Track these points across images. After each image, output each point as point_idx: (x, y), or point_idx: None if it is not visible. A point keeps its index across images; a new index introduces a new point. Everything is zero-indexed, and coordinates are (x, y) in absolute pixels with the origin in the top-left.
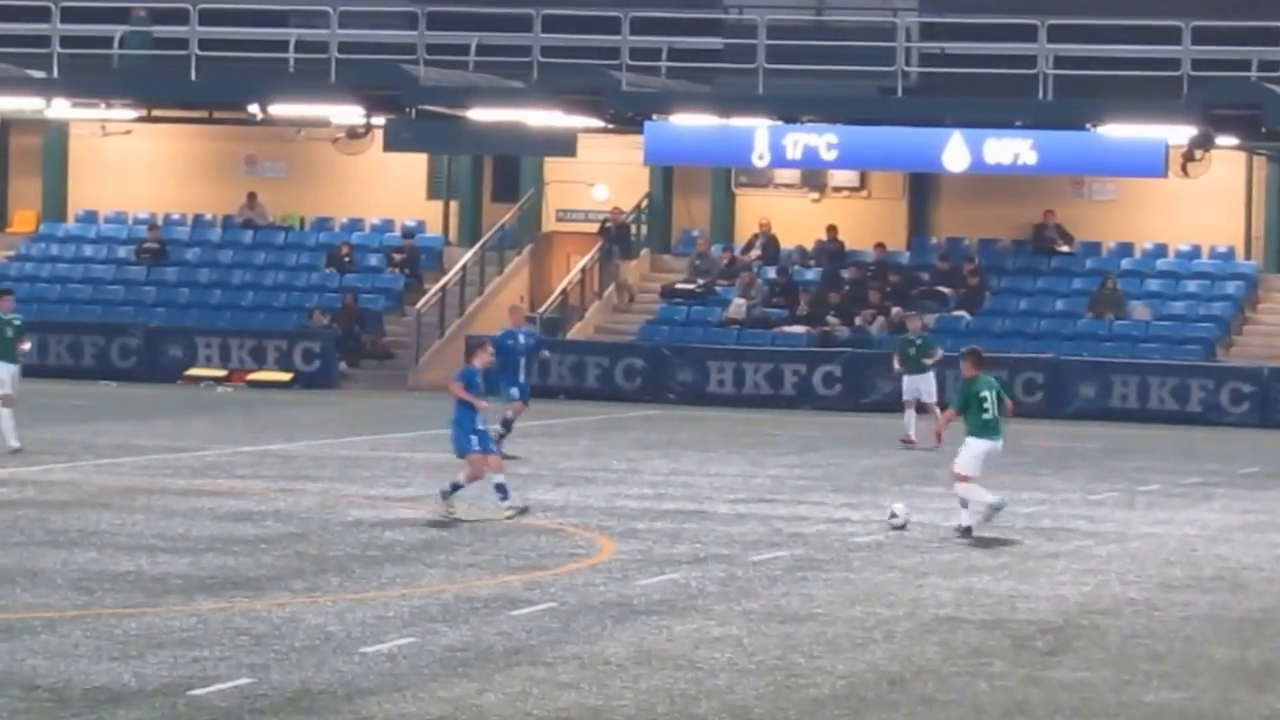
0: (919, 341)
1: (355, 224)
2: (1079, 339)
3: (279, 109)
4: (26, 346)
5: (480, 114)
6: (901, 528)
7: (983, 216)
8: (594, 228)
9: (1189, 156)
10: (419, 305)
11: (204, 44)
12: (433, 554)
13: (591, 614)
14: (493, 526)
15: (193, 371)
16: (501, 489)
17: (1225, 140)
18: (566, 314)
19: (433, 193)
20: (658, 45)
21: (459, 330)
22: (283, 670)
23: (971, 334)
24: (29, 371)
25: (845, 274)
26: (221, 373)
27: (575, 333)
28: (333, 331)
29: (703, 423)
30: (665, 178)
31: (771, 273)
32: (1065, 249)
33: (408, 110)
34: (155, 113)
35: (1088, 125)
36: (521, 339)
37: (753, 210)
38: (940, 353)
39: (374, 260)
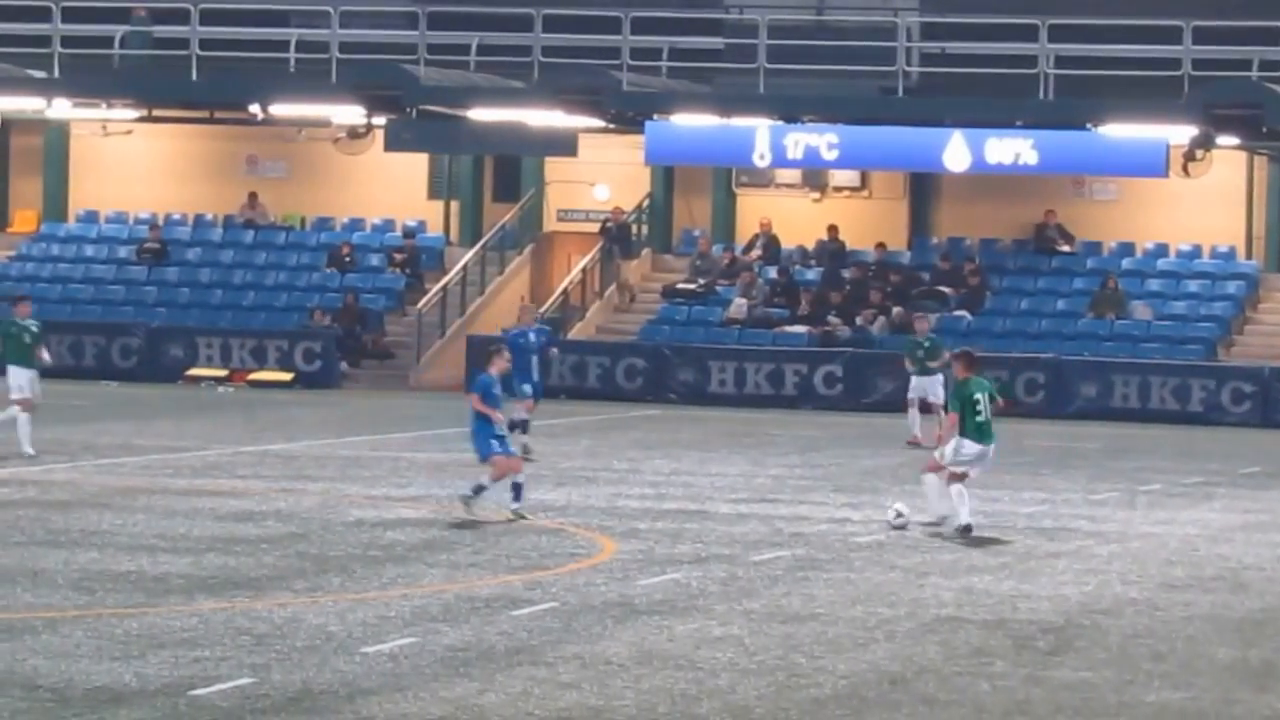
0: (927, 344)
1: (356, 224)
2: (1080, 339)
3: (280, 109)
4: (47, 356)
5: (481, 114)
6: (902, 528)
7: (983, 216)
8: (595, 228)
9: (1190, 156)
10: (420, 305)
11: (205, 44)
12: (434, 554)
13: (593, 614)
14: (494, 527)
15: (194, 371)
16: (517, 489)
17: (1226, 140)
18: (567, 314)
19: (434, 193)
20: (658, 45)
21: (460, 330)
22: (284, 670)
23: (972, 334)
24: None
25: (846, 274)
26: (222, 373)
27: (576, 333)
28: (334, 331)
29: (704, 422)
30: (666, 178)
31: (772, 272)
32: (1066, 249)
33: (409, 110)
34: (156, 113)
35: (1088, 125)
36: (533, 337)
37: (754, 210)
38: (948, 355)
39: (375, 260)
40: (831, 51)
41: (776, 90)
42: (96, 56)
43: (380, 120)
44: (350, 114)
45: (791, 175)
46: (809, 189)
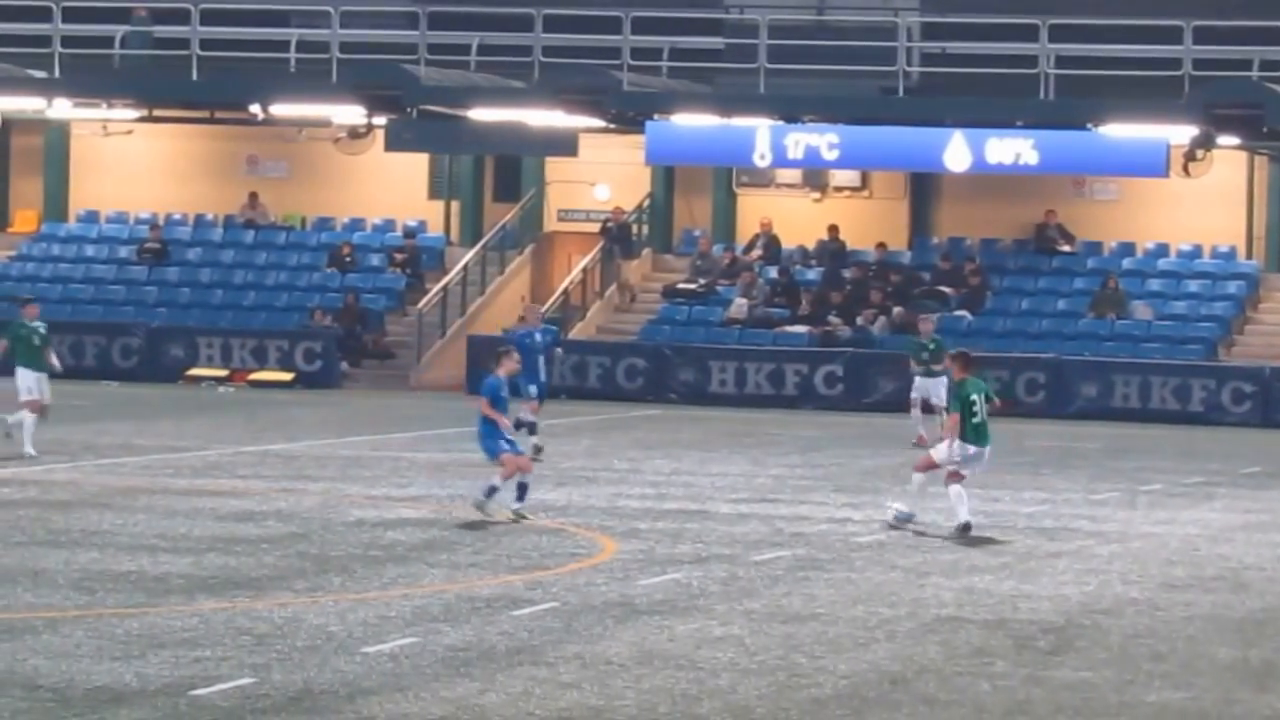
0: (931, 345)
1: (357, 224)
2: (1080, 339)
3: (280, 109)
4: (57, 363)
5: (481, 114)
6: (898, 528)
7: (984, 216)
8: (595, 228)
9: (1190, 156)
10: (420, 305)
11: (205, 44)
12: (434, 554)
13: (593, 614)
14: (495, 527)
15: (194, 371)
16: (522, 489)
17: (1226, 140)
18: (568, 314)
19: (434, 193)
20: (659, 45)
21: (460, 330)
22: (285, 670)
23: (973, 334)
24: (12, 371)
25: (847, 274)
26: (223, 373)
27: (577, 333)
28: (334, 331)
29: (704, 422)
30: (667, 177)
31: (773, 272)
32: (1067, 249)
33: (409, 110)
34: (156, 113)
35: (1089, 125)
36: (539, 337)
37: (754, 210)
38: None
39: (375, 260)
40: (832, 51)
41: (777, 90)
42: (97, 56)
43: (381, 120)
44: (351, 114)
45: (792, 175)
46: (809, 189)
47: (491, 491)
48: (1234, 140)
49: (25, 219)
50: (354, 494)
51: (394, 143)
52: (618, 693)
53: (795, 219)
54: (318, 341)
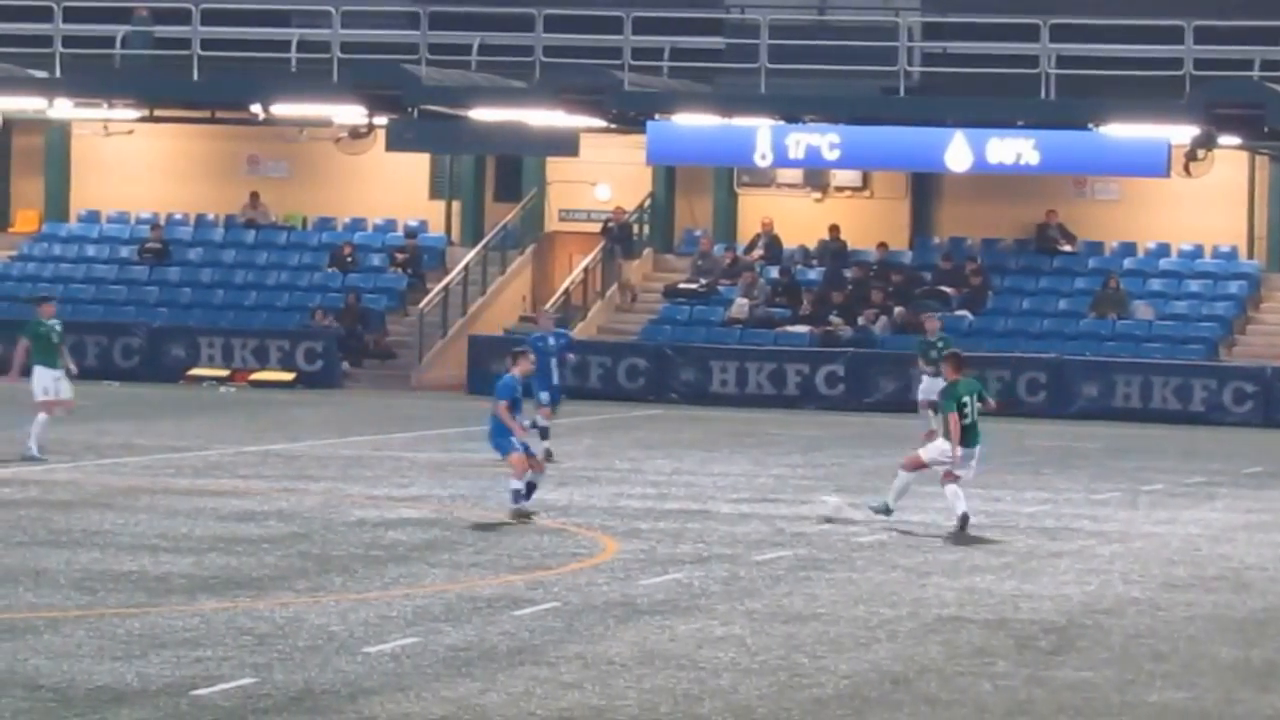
0: (940, 344)
1: (358, 224)
2: (1081, 339)
3: (281, 109)
4: (73, 367)
5: (482, 114)
6: (833, 521)
7: (985, 216)
8: (596, 227)
9: (1191, 156)
10: (421, 305)
11: (206, 44)
12: (436, 554)
13: (594, 614)
14: (496, 526)
15: (195, 371)
16: (530, 488)
17: (1228, 140)
18: (569, 314)
19: (435, 192)
20: (660, 45)
21: (461, 330)
22: (286, 670)
23: (974, 334)
24: (30, 371)
25: (848, 274)
26: (224, 372)
27: (578, 333)
28: (335, 331)
29: (705, 422)
30: (668, 177)
31: (774, 272)
32: (1068, 249)
33: (410, 110)
34: (157, 112)
35: (1090, 125)
36: (552, 341)
37: (755, 210)
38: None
39: (376, 260)
40: (833, 51)
41: (778, 90)
42: (98, 56)
43: (382, 120)
44: (352, 114)
45: (793, 175)
46: (810, 189)
47: (516, 496)
48: (1235, 140)
49: (26, 219)
50: (355, 494)
51: (395, 143)
52: (619, 692)
53: (796, 219)
54: (319, 341)
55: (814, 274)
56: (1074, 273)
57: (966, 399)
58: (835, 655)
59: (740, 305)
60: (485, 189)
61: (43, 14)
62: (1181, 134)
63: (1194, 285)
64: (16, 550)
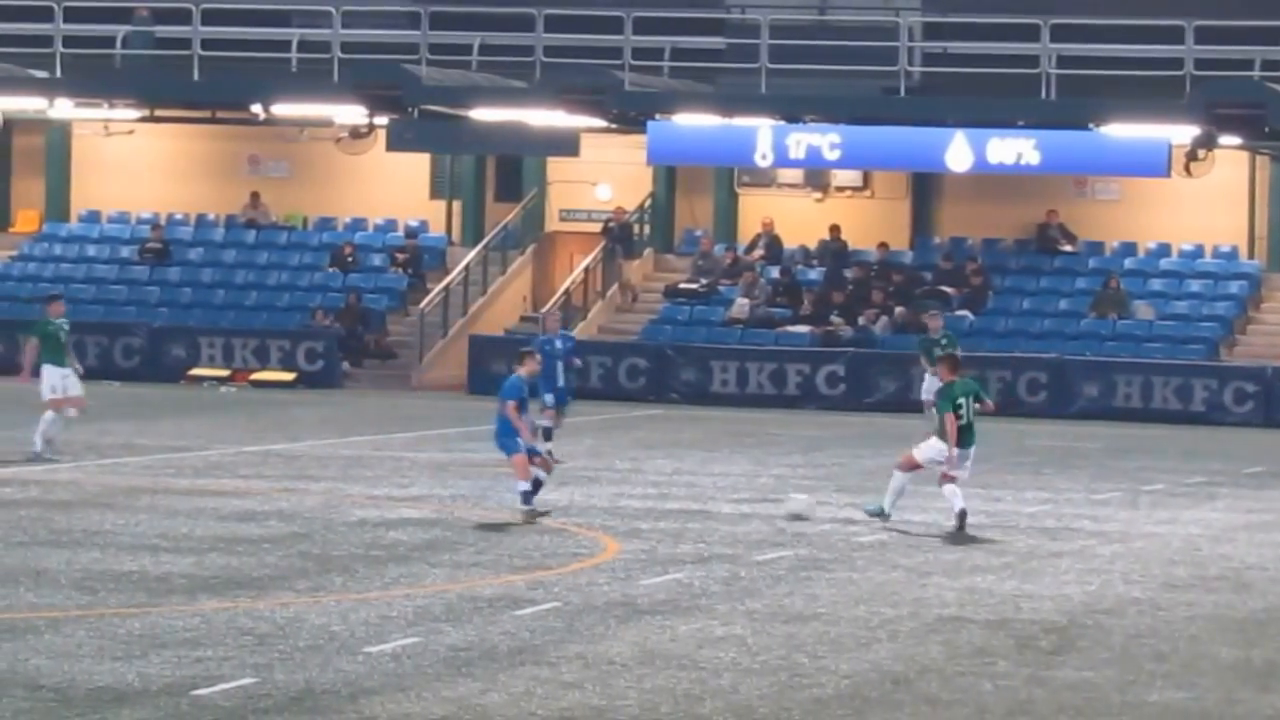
0: (943, 341)
1: (358, 224)
2: (1082, 339)
3: (282, 109)
4: (79, 367)
5: (483, 114)
6: (801, 518)
7: (986, 216)
8: (597, 227)
9: (1192, 156)
10: (422, 305)
11: (207, 44)
12: (436, 554)
13: (595, 614)
14: (496, 526)
15: (196, 371)
16: (536, 485)
17: (1228, 140)
18: (569, 314)
19: (436, 192)
20: (660, 45)
21: (462, 330)
22: (286, 670)
23: (975, 334)
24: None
25: (848, 274)
26: (225, 372)
27: (578, 333)
28: (336, 331)
29: (706, 422)
30: (668, 177)
31: (775, 272)
32: (1068, 249)
33: (410, 110)
34: (158, 112)
35: (1091, 125)
36: (559, 344)
37: (756, 210)
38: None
39: (377, 260)
40: (833, 51)
41: (778, 90)
42: (98, 56)
43: (382, 120)
44: (352, 114)
45: (793, 175)
46: (811, 189)
47: (526, 497)
48: (1235, 140)
49: (27, 219)
50: (356, 494)
51: (395, 142)
52: (620, 692)
53: (797, 219)
54: (319, 341)
55: (814, 274)
56: (1074, 273)
57: (962, 400)
58: (836, 655)
59: (741, 305)
60: (486, 189)
61: (43, 14)
62: (1182, 134)
63: (1194, 285)
64: (17, 550)
